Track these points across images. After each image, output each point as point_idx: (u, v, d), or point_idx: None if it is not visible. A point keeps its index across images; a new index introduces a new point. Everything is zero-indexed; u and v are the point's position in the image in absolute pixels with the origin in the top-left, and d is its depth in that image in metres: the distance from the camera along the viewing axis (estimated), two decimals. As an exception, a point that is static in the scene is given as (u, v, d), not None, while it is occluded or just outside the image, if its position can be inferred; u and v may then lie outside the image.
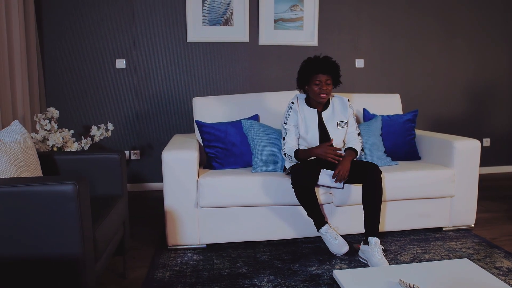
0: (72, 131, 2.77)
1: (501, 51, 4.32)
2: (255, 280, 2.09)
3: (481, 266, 2.20)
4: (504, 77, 4.35)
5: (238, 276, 2.13)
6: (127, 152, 3.71)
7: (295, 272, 2.17)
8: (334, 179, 2.29)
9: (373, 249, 2.19)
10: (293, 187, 2.29)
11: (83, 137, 2.80)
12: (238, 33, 3.76)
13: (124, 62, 3.62)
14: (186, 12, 3.65)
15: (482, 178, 4.17)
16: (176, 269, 2.22)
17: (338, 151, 2.36)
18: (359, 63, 4.03)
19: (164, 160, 2.38)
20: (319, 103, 2.47)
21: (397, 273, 1.58)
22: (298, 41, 3.88)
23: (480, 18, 4.24)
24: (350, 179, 2.37)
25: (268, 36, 3.82)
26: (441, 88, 4.25)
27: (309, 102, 2.51)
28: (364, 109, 3.09)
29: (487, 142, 4.35)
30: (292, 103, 2.51)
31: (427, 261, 2.30)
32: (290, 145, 2.46)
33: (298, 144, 2.50)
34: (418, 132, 3.10)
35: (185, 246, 2.47)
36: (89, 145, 2.78)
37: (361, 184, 2.34)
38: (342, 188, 2.37)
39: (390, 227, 2.65)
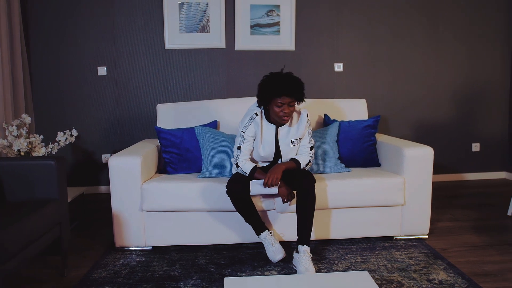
0: (42, 137, 2.96)
1: (490, 54, 4.14)
2: (181, 283, 2.17)
3: (414, 278, 2.17)
4: (494, 80, 4.16)
5: (167, 279, 2.21)
6: (108, 156, 3.89)
7: (223, 277, 2.22)
8: (266, 187, 2.29)
9: (301, 257, 2.21)
10: (228, 195, 2.33)
11: (50, 142, 2.98)
12: (214, 39, 3.84)
13: (105, 69, 3.80)
14: (164, 20, 3.77)
15: (469, 185, 4.03)
16: (114, 269, 2.34)
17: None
18: (338, 67, 4.00)
19: (110, 165, 2.50)
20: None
21: (285, 284, 1.61)
22: (275, 46, 3.91)
23: (468, 20, 4.08)
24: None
25: (245, 41, 3.87)
26: (427, 92, 4.13)
27: (268, 117, 2.39)
28: (325, 115, 3.08)
29: (476, 147, 4.18)
30: (256, 114, 2.37)
31: (360, 270, 2.28)
32: (246, 156, 2.40)
33: (251, 157, 2.47)
34: (380, 138, 3.05)
35: (132, 248, 2.59)
36: (56, 150, 2.96)
37: None
38: (277, 193, 2.36)
39: (339, 235, 2.63)
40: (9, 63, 3.27)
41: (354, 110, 3.18)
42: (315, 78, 3.99)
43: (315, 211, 2.52)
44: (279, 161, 2.47)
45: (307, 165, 2.44)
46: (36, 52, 3.75)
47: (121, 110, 3.87)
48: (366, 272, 1.69)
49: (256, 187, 2.31)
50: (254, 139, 2.41)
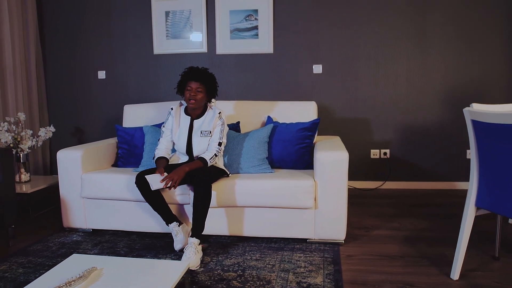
0: (31, 131, 3.53)
1: (487, 54, 3.75)
2: (86, 261, 2.49)
3: (287, 279, 2.19)
4: (491, 82, 3.76)
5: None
6: (107, 149, 4.40)
7: (124, 260, 2.49)
8: (164, 182, 2.49)
9: (188, 248, 2.38)
10: (137, 186, 2.60)
11: (34, 136, 3.55)
12: (197, 44, 4.12)
13: (104, 73, 4.31)
14: (152, 27, 4.15)
15: (454, 194, 3.72)
16: (49, 244, 2.76)
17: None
18: (317, 68, 3.98)
19: (58, 157, 2.94)
20: (193, 110, 2.72)
21: (107, 263, 1.84)
22: (254, 49, 4.04)
23: (461, 17, 3.75)
24: (186, 180, 2.58)
25: (225, 46, 4.07)
26: (415, 94, 3.89)
27: (187, 110, 2.78)
28: (268, 117, 3.16)
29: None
30: (172, 108, 2.80)
31: (245, 267, 2.36)
32: (162, 146, 2.74)
33: (173, 147, 2.79)
34: (320, 140, 3.03)
35: (76, 228, 2.99)
36: (41, 142, 3.51)
37: None
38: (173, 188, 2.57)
39: (254, 233, 2.71)
40: (24, 67, 3.94)
41: (303, 112, 3.19)
42: (293, 80, 4.03)
43: (230, 208, 2.70)
44: (194, 152, 2.70)
45: (212, 158, 2.62)
46: (51, 58, 4.40)
47: (117, 110, 4.34)
48: (186, 263, 1.83)
49: (156, 183, 2.51)
50: (172, 132, 2.74)
